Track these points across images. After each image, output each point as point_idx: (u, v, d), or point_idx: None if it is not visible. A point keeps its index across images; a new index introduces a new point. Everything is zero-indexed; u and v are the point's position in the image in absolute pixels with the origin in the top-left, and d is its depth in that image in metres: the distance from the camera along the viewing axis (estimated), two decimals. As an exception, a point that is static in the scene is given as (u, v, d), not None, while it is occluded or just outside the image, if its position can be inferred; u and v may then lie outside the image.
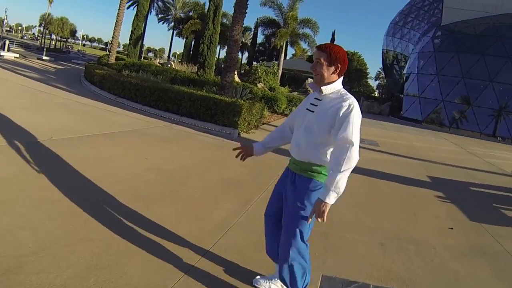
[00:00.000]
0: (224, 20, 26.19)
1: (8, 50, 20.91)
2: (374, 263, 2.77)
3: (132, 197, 3.26)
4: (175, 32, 37.11)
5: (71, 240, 2.36)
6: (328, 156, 1.84)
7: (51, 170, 3.56)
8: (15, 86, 8.97)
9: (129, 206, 3.06)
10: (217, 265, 2.39)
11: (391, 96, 31.43)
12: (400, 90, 28.02)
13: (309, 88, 2.03)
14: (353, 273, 2.57)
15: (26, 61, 19.00)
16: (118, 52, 23.56)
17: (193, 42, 33.74)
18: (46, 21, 44.48)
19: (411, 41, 27.75)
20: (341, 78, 1.91)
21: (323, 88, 1.86)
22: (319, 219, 1.72)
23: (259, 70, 16.14)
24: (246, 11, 9.18)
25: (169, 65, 19.31)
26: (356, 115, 1.76)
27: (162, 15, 39.93)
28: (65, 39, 51.22)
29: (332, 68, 1.85)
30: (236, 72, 12.67)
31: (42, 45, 38.37)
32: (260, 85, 14.60)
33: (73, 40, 70.65)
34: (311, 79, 16.27)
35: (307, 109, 1.95)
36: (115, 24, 16.76)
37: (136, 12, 19.74)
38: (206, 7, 16.96)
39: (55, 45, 48.14)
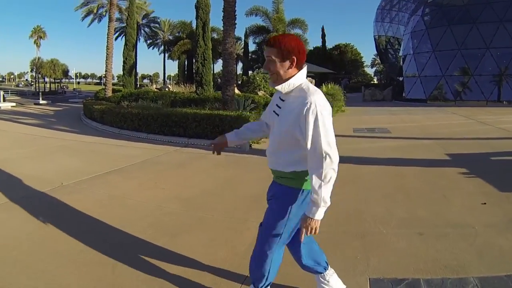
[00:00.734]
0: (214, 35, 26.24)
1: (4, 101, 21.09)
2: (418, 255, 2.61)
3: (158, 233, 3.07)
4: (166, 55, 37.41)
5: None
6: (302, 164, 1.63)
7: (66, 218, 3.38)
8: (16, 136, 8.88)
9: (156, 243, 2.87)
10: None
11: (391, 80, 31.15)
12: (399, 73, 27.78)
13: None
14: (399, 270, 2.41)
15: (24, 108, 19.12)
16: (113, 84, 23.64)
17: (186, 62, 33.91)
18: (37, 65, 45.17)
19: (401, 23, 27.54)
20: (303, 70, 1.65)
21: (279, 87, 1.64)
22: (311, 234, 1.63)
23: (257, 78, 15.96)
24: (236, 22, 9.06)
25: (166, 89, 19.22)
26: (321, 113, 1.53)
27: (151, 40, 40.41)
28: (58, 80, 51.91)
29: (287, 63, 1.61)
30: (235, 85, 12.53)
31: (37, 90, 38.86)
32: (260, 93, 14.45)
33: (67, 80, 71.68)
34: (310, 78, 16.09)
35: (273, 111, 1.75)
36: (106, 57, 16.83)
37: (125, 41, 19.84)
38: (194, 25, 16.86)
39: (50, 87, 48.79)
